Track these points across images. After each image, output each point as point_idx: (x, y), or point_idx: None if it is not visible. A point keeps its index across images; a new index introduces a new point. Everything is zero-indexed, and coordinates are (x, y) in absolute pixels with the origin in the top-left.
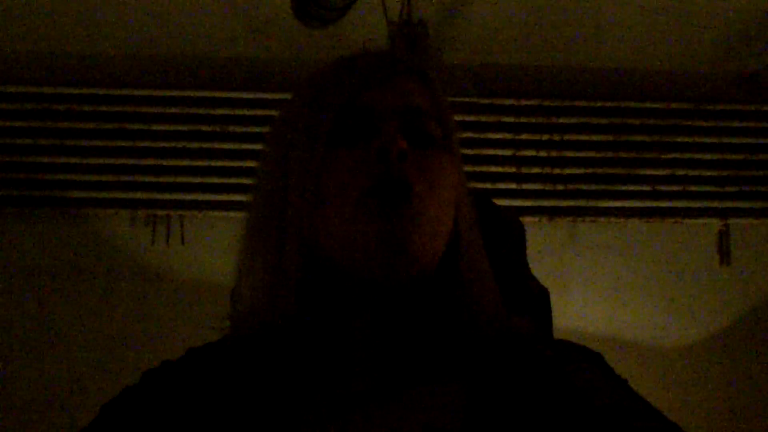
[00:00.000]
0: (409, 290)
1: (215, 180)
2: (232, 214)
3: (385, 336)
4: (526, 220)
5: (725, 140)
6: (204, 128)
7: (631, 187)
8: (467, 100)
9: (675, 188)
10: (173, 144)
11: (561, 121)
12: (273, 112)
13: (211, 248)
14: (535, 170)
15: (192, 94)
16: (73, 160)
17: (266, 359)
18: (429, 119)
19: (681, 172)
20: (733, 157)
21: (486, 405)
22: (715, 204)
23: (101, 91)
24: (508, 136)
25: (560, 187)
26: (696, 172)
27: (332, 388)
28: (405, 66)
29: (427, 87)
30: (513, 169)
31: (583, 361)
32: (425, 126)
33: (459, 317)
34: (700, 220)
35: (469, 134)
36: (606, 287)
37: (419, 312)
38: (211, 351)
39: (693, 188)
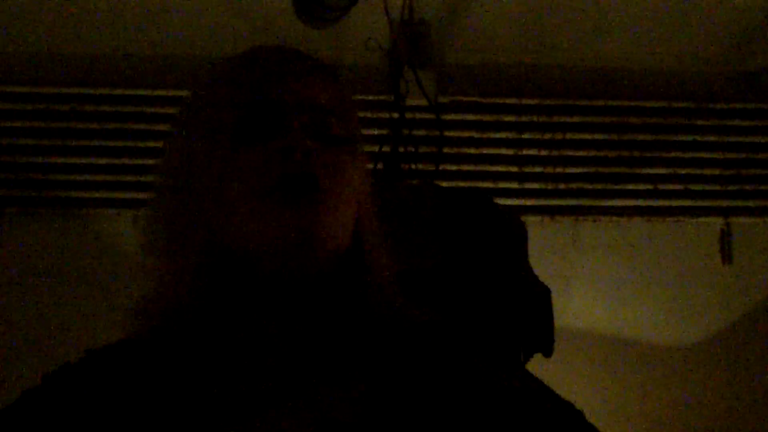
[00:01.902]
0: (313, 284)
1: None
2: None
3: (287, 331)
4: (528, 219)
5: (727, 139)
6: None
7: (633, 186)
8: (468, 99)
9: (677, 187)
10: None
11: (563, 120)
12: None
13: None
14: (537, 169)
15: None
16: (75, 160)
17: (167, 359)
18: (333, 117)
19: (683, 171)
20: (735, 156)
21: (384, 395)
22: (717, 203)
23: (103, 92)
24: (509, 135)
25: (562, 186)
26: (698, 171)
27: (233, 389)
28: (311, 62)
29: (333, 84)
30: (514, 169)
31: (481, 348)
32: (329, 124)
33: (360, 310)
34: (702, 219)
35: (471, 133)
36: (607, 286)
37: (322, 306)
38: (111, 352)
39: (695, 187)
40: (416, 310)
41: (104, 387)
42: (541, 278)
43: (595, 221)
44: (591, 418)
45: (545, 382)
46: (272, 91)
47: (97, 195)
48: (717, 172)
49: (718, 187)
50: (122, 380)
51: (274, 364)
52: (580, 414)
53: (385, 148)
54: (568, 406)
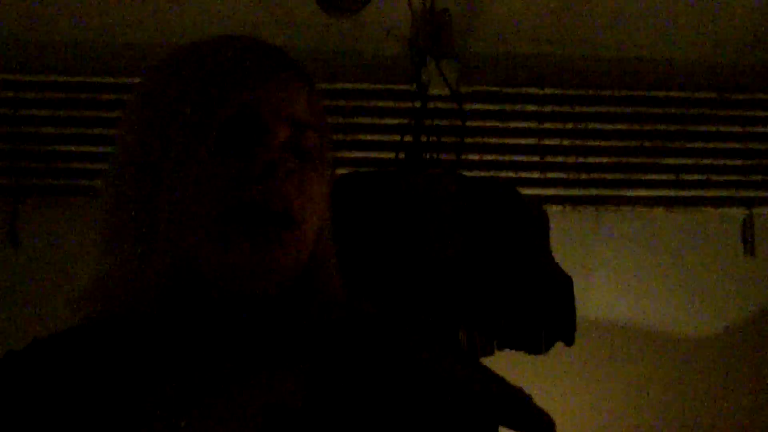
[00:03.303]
0: (265, 300)
1: None
2: None
3: (235, 327)
4: (550, 208)
5: (750, 129)
6: None
7: (655, 176)
8: (490, 89)
9: (699, 177)
10: None
11: (584, 110)
12: None
13: None
14: (559, 159)
15: None
16: (96, 149)
17: (113, 350)
18: (310, 132)
19: (705, 161)
20: (758, 146)
21: (327, 380)
22: (740, 193)
23: (124, 80)
24: (531, 125)
25: (583, 176)
26: (720, 161)
27: (182, 377)
28: (292, 66)
29: (309, 91)
30: (536, 158)
31: (426, 337)
32: (306, 139)
33: (307, 309)
34: (724, 210)
35: (493, 123)
36: (629, 276)
37: (271, 308)
38: (59, 341)
39: (717, 177)
40: (361, 307)
41: (48, 374)
42: (563, 268)
43: (616, 211)
44: (610, 408)
45: (565, 371)
46: (255, 98)
47: None
48: (739, 162)
49: (740, 178)
50: (68, 368)
51: (217, 354)
52: (528, 397)
53: (407, 138)
54: (517, 389)
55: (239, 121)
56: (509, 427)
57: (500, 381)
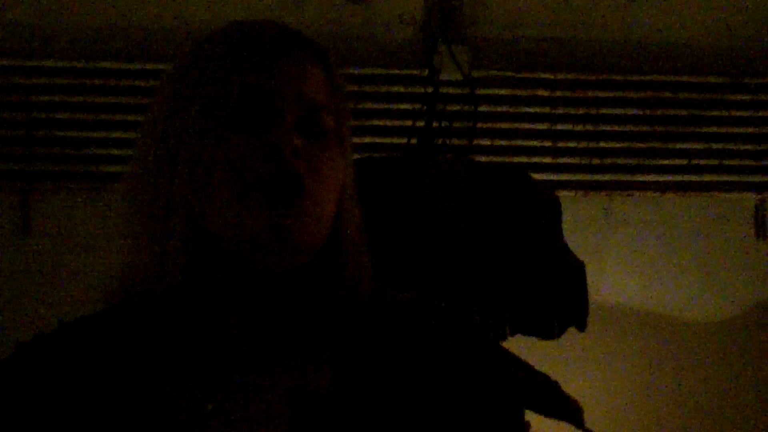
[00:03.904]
0: (287, 276)
1: None
2: None
3: (262, 309)
4: (562, 194)
5: (762, 114)
6: None
7: (667, 161)
8: (502, 74)
9: (711, 162)
10: None
11: (596, 95)
12: None
13: None
14: (571, 144)
15: None
16: (109, 135)
17: (143, 333)
18: (325, 112)
19: (717, 146)
20: None
21: (354, 368)
22: (752, 178)
23: (137, 66)
24: (543, 110)
25: (595, 161)
26: (732, 146)
27: (209, 361)
28: (309, 48)
29: (327, 72)
30: (548, 143)
31: (455, 326)
32: (320, 119)
33: (333, 292)
34: (736, 194)
35: (504, 108)
36: (641, 261)
37: (295, 288)
38: (86, 324)
39: (729, 162)
40: (390, 294)
41: (77, 356)
42: (575, 253)
43: (628, 196)
44: (622, 392)
45: (577, 356)
46: (267, 79)
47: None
48: (752, 147)
49: (752, 162)
50: (95, 350)
51: (245, 336)
52: (556, 384)
53: (419, 123)
54: (544, 376)
55: (251, 100)
56: (540, 412)
57: (528, 368)
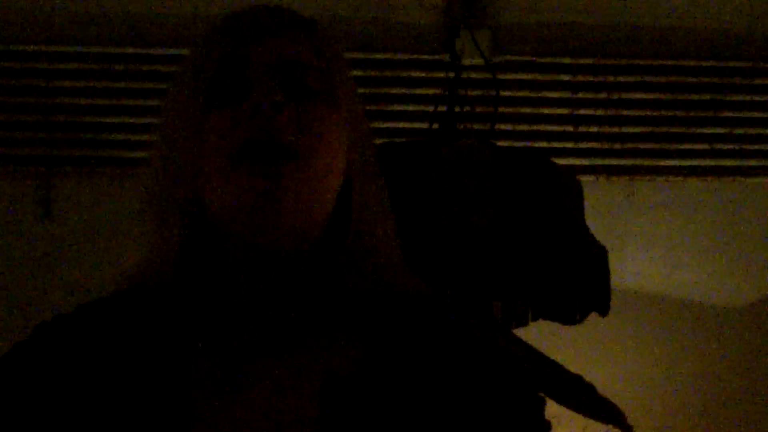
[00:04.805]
0: (297, 247)
1: None
2: None
3: (276, 292)
4: (583, 179)
5: None
6: None
7: (689, 146)
8: (524, 58)
9: (733, 147)
10: None
11: (618, 79)
12: None
13: None
14: (592, 129)
15: None
16: (129, 120)
17: (158, 316)
18: (309, 72)
19: (739, 131)
20: None
21: (382, 351)
22: None
23: (157, 51)
24: (564, 94)
25: (617, 146)
26: (754, 131)
27: (226, 344)
28: (289, 19)
29: (311, 39)
30: (570, 128)
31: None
32: (305, 79)
33: (343, 272)
34: (758, 179)
35: (526, 93)
36: (663, 246)
37: (312, 267)
38: (103, 306)
39: (751, 147)
40: (411, 280)
41: (97, 340)
42: (596, 238)
43: (650, 181)
44: (645, 377)
45: (600, 341)
46: (245, 50)
47: None
48: None
49: None
50: (114, 332)
51: (263, 320)
52: (591, 385)
53: (441, 108)
54: (577, 377)
55: (227, 72)
56: (580, 412)
57: (556, 365)
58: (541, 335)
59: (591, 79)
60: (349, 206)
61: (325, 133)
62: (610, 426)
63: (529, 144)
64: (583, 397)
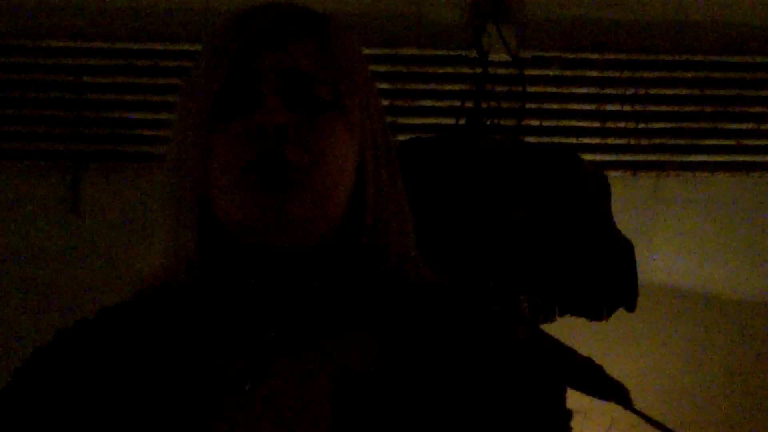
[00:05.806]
0: (310, 248)
1: None
2: None
3: (291, 290)
4: (610, 174)
5: None
6: None
7: (716, 141)
8: (551, 54)
9: (760, 142)
10: None
11: (645, 75)
12: None
13: None
14: (619, 125)
15: None
16: (157, 116)
17: (177, 318)
18: (317, 83)
19: (766, 126)
20: None
21: (398, 346)
22: None
23: (184, 47)
24: (591, 90)
25: (644, 142)
26: None
27: (244, 343)
28: (299, 21)
29: (322, 45)
30: (597, 124)
31: (498, 309)
32: (313, 90)
33: (366, 268)
34: None
35: (553, 89)
36: (690, 241)
37: (327, 264)
38: (124, 310)
39: None
40: (428, 276)
41: (118, 343)
42: (623, 233)
43: (677, 176)
44: (672, 373)
45: (627, 336)
46: (249, 60)
47: None
48: None
49: None
50: (135, 337)
51: (280, 320)
52: (600, 367)
53: (468, 104)
54: (588, 359)
55: (234, 86)
56: (588, 393)
57: (571, 351)
58: (568, 330)
59: (618, 74)
60: (365, 204)
61: (333, 145)
62: (634, 420)
63: (556, 140)
64: (595, 379)
